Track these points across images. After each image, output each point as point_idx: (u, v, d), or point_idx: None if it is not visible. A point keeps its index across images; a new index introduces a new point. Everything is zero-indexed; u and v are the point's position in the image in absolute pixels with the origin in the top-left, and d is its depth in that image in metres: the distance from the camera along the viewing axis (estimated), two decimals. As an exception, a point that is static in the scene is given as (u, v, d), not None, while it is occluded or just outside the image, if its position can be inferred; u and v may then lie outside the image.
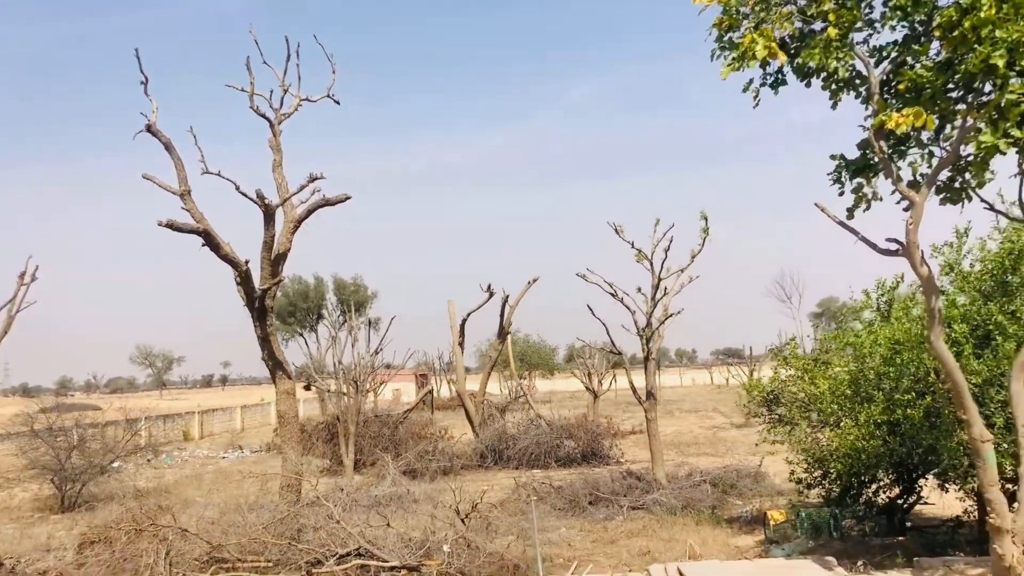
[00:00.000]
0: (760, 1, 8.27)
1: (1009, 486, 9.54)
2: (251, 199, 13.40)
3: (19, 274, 17.20)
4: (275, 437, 37.05)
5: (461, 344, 33.84)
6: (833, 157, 8.96)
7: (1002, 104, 7.00)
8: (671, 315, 22.23)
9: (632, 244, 22.03)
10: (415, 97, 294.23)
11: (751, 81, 8.89)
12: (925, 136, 8.33)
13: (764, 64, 8.54)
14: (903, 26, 8.39)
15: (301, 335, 64.21)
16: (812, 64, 8.00)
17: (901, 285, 13.15)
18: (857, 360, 12.87)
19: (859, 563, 11.24)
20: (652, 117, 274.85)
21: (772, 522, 15.04)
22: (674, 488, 20.00)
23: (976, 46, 7.07)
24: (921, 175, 8.56)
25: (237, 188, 13.30)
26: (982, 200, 8.77)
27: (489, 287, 33.05)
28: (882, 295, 13.32)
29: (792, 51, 8.24)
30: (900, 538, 14.51)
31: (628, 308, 22.18)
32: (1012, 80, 6.96)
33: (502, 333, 34.15)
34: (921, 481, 14.28)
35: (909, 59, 8.16)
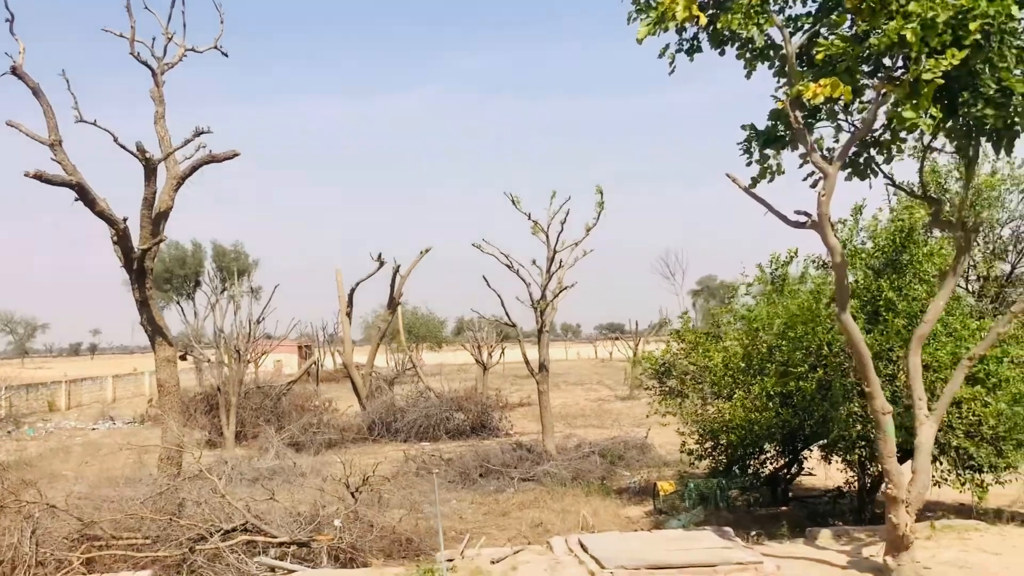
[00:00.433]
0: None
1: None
2: (131, 152, 12.47)
3: None
4: (150, 408, 35.45)
5: (349, 314, 33.10)
6: (744, 127, 8.96)
7: (916, 79, 7.09)
8: (565, 288, 22.31)
9: (529, 216, 21.97)
10: (307, 57, 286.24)
11: (667, 46, 8.78)
12: (834, 109, 8.38)
13: (681, 29, 8.44)
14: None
15: (177, 303, 61.61)
16: (731, 30, 7.93)
17: (794, 260, 13.46)
18: (750, 334, 13.11)
19: (752, 533, 11.49)
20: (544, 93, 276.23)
21: (662, 493, 15.28)
22: (564, 460, 20.14)
23: (888, 20, 7.14)
24: (827, 149, 8.66)
25: (115, 139, 12.38)
26: (886, 176, 8.95)
27: (380, 256, 32.40)
28: (776, 269, 13.61)
29: (709, 16, 8.14)
30: (783, 508, 14.99)
31: (523, 280, 22.16)
32: (924, 58, 7.04)
33: (392, 304, 33.56)
34: (805, 453, 14.76)
35: (823, 31, 8.20)
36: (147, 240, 13.09)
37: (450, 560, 9.47)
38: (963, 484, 11.76)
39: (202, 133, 13.05)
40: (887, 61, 8.00)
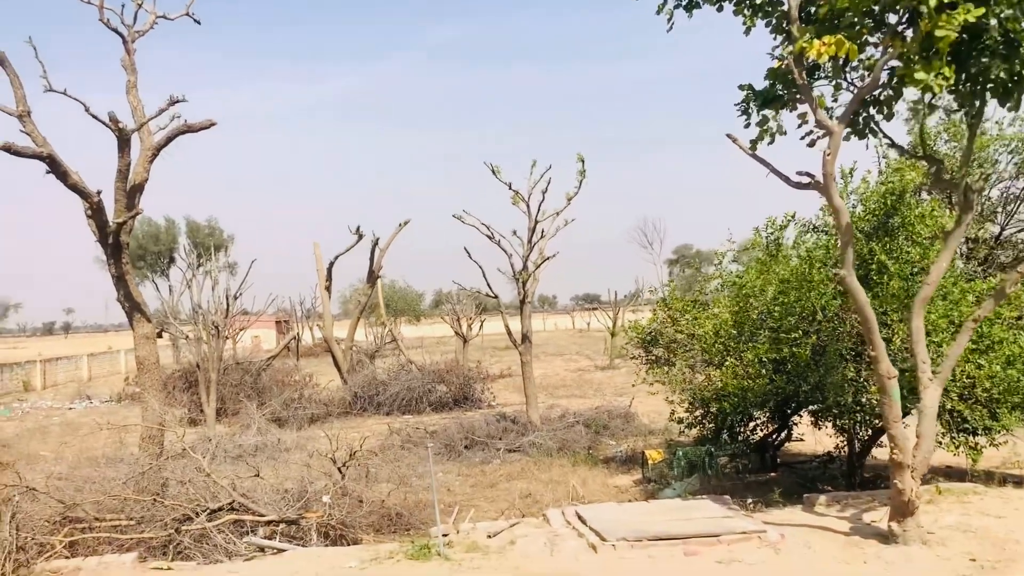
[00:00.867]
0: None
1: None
2: (103, 122, 12.01)
3: None
4: (127, 386, 34.97)
5: (328, 288, 32.72)
6: (742, 87, 8.73)
7: (928, 35, 6.86)
8: (548, 258, 22.13)
9: (510, 186, 21.68)
10: (279, 23, 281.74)
11: (665, 1, 8.54)
12: (837, 67, 8.17)
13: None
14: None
15: (152, 280, 60.89)
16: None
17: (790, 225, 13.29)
18: (740, 300, 12.96)
19: (748, 501, 11.42)
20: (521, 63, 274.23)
21: (650, 461, 15.20)
22: (549, 430, 20.05)
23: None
24: (826, 109, 8.43)
25: (87, 109, 11.90)
26: (885, 136, 8.77)
27: (358, 229, 32.01)
28: (771, 233, 13.44)
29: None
30: (772, 474, 14.97)
31: (504, 251, 21.92)
32: (937, 11, 6.81)
33: (372, 277, 33.24)
34: (795, 419, 14.72)
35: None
36: (122, 213, 12.68)
37: (445, 535, 9.29)
38: (957, 447, 11.75)
39: (177, 102, 12.62)
40: (891, 17, 7.78)
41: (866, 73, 8.30)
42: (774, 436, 15.34)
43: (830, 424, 13.21)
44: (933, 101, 8.88)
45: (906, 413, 9.19)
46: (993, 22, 7.07)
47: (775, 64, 8.22)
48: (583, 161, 21.38)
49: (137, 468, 11.94)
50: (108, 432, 18.13)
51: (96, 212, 12.43)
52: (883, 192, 11.66)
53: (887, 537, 8.51)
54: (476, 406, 27.44)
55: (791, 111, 8.67)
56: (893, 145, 8.96)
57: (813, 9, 7.81)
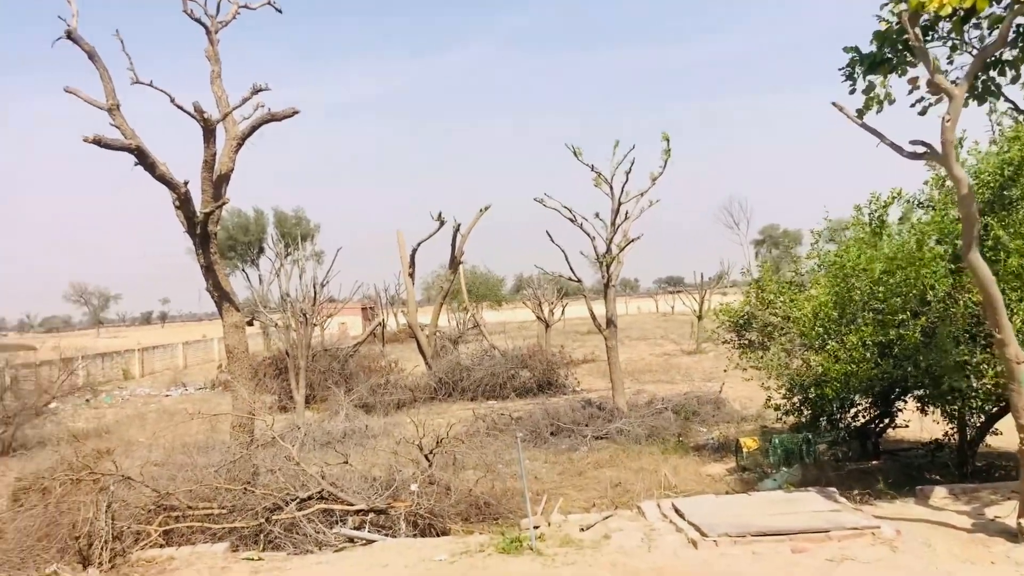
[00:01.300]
0: None
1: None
2: (188, 112, 12.08)
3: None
4: (220, 373, 35.86)
5: (411, 275, 32.86)
6: (847, 50, 8.11)
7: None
8: (632, 240, 21.59)
9: (592, 167, 21.19)
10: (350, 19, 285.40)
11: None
12: (958, 24, 7.50)
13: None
14: None
15: (242, 270, 62.51)
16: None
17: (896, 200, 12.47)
18: (841, 280, 12.25)
19: (854, 493, 10.82)
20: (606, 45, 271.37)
21: (745, 449, 14.65)
22: (636, 417, 19.58)
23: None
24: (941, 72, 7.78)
25: (172, 100, 11.97)
26: (1007, 100, 8.08)
27: (440, 216, 31.98)
28: (875, 210, 12.66)
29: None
30: (874, 462, 14.23)
31: (587, 234, 21.46)
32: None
33: (454, 263, 33.22)
34: (899, 404, 13.94)
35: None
36: (209, 203, 12.77)
37: (536, 527, 9.02)
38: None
39: (260, 91, 12.60)
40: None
41: (986, 32, 7.61)
42: (876, 422, 14.58)
43: (938, 410, 12.43)
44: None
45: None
46: None
47: (882, 26, 7.60)
48: (668, 140, 20.71)
49: (228, 456, 12.03)
50: (200, 419, 18.49)
51: (184, 203, 12.53)
52: (999, 162, 10.80)
53: (1016, 535, 7.87)
54: (560, 392, 27.14)
55: (900, 76, 8.03)
56: (1018, 110, 8.22)
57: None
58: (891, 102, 8.09)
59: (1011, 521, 8.14)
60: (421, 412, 21.42)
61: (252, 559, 9.23)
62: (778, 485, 11.69)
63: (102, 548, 8.80)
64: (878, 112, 8.09)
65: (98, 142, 11.24)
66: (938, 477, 12.34)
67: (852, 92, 8.19)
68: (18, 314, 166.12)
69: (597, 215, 21.46)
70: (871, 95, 8.09)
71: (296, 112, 13.02)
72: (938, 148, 7.49)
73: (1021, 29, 6.92)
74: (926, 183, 12.66)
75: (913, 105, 7.97)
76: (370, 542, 9.77)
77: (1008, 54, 7.67)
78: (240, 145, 13.23)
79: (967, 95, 7.80)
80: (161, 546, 9.65)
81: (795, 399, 13.77)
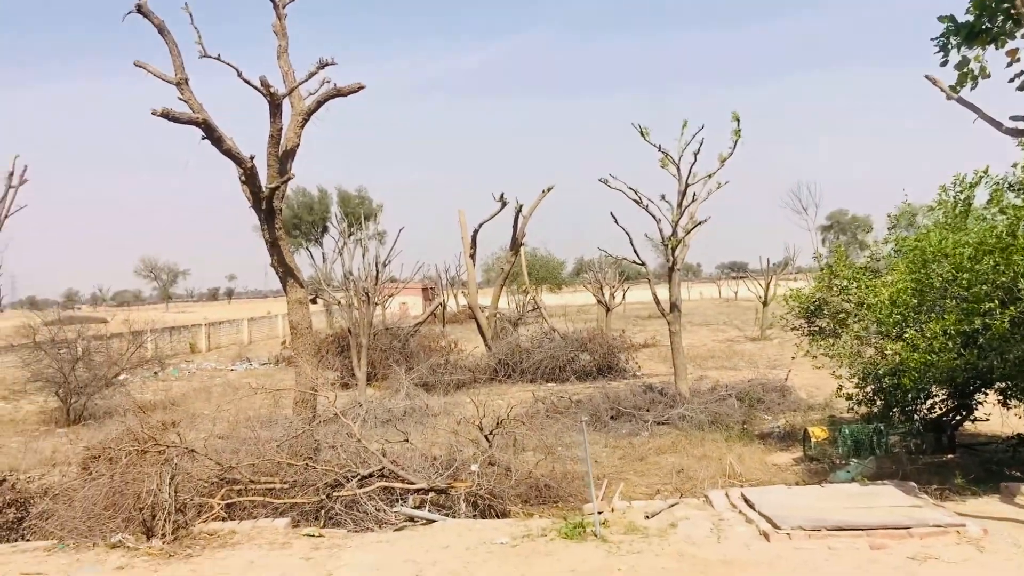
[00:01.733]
0: None
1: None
2: (255, 87, 12.07)
3: (7, 174, 15.98)
4: (283, 349, 36.40)
5: (472, 256, 32.77)
6: (942, 19, 7.62)
7: None
8: (699, 223, 21.09)
9: (659, 147, 20.72)
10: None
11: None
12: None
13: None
14: None
15: (307, 248, 63.29)
16: None
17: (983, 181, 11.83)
18: (921, 266, 11.69)
19: (932, 488, 10.35)
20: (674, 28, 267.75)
21: (813, 439, 14.20)
22: (699, 403, 19.20)
23: None
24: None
25: (239, 74, 11.97)
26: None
27: (502, 197, 31.78)
28: (960, 192, 12.05)
29: None
30: (949, 456, 13.68)
31: (653, 216, 21.03)
32: None
33: (515, 245, 33.02)
34: (978, 396, 13.34)
35: None
36: (274, 178, 12.78)
37: (599, 513, 8.81)
38: None
39: (326, 65, 12.51)
40: None
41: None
42: (952, 415, 13.99)
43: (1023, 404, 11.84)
44: None
45: None
46: None
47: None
48: (738, 120, 20.12)
49: (291, 431, 12.08)
50: (264, 394, 18.70)
51: (250, 177, 12.56)
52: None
53: (1113, 538, 7.41)
54: (620, 376, 26.86)
55: (998, 48, 7.53)
56: None
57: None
58: (987, 77, 7.61)
59: (1108, 523, 7.68)
60: (481, 393, 21.32)
61: (312, 535, 9.22)
62: (851, 477, 11.26)
63: (165, 519, 8.87)
64: (972, 88, 7.61)
65: (167, 115, 11.30)
66: (1018, 474, 11.77)
67: (943, 64, 7.71)
68: (91, 287, 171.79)
69: (663, 197, 21.04)
70: (964, 71, 7.61)
71: (362, 87, 12.92)
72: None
73: None
74: (1014, 165, 12.02)
75: (1012, 80, 7.47)
76: (430, 522, 9.68)
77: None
78: (306, 120, 13.21)
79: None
80: (223, 519, 9.71)
81: (868, 388, 13.28)
